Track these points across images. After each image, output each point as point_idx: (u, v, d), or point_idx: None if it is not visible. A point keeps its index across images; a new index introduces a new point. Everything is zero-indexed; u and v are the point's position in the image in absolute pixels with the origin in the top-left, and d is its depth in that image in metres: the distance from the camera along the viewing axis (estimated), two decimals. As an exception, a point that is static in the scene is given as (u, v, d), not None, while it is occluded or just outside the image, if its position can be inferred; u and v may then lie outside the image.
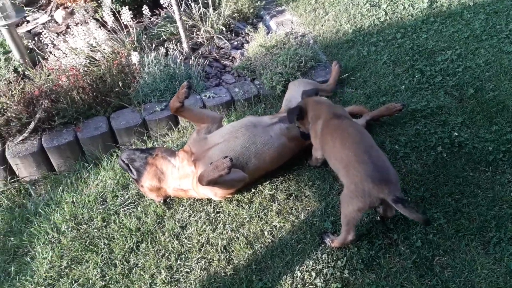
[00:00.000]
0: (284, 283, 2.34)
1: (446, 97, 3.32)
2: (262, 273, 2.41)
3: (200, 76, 3.47)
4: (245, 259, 2.49)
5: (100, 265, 2.54)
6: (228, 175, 2.49)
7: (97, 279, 2.47)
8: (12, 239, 2.73)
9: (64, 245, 2.65)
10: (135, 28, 3.71)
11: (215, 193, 2.73)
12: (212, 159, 2.64)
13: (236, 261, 2.49)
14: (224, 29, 4.00)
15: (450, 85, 3.41)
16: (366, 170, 2.19)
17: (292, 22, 4.24)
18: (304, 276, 2.37)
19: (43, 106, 2.95)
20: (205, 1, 4.05)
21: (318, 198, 2.76)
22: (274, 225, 2.63)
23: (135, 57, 3.26)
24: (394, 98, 3.36)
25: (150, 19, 4.10)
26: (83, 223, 2.77)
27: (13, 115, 2.90)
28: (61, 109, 3.02)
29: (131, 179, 2.94)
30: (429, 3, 4.28)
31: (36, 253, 2.64)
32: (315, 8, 4.36)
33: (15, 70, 3.48)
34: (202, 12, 4.00)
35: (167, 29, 3.97)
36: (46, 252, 2.63)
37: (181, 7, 3.94)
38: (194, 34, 4.00)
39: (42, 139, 3.02)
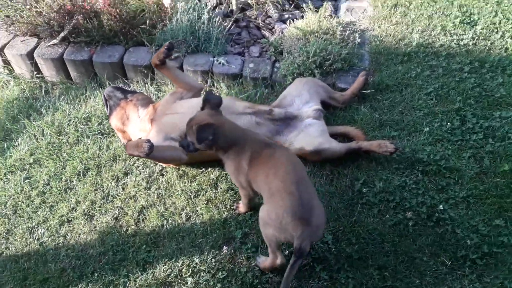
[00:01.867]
0: (162, 265, 2.41)
1: (468, 162, 2.71)
2: (153, 247, 2.51)
3: (224, 38, 3.39)
4: (150, 227, 2.59)
5: (51, 174, 2.91)
6: (159, 151, 2.55)
7: (41, 184, 2.86)
8: (8, 124, 3.25)
9: (38, 146, 3.08)
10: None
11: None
12: (165, 125, 2.68)
13: (142, 225, 2.61)
14: (284, -4, 3.75)
15: (486, 149, 2.76)
16: (291, 202, 2.00)
17: (363, 12, 3.75)
18: (182, 269, 2.39)
19: (74, 21, 3.27)
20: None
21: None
22: (196, 210, 2.65)
23: (167, 1, 3.32)
24: (408, 137, 2.87)
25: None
26: (62, 133, 3.14)
27: (47, 20, 3.28)
28: (88, 29, 3.31)
29: None
30: (541, 41, 3.35)
31: (17, 144, 3.12)
32: (397, 3, 3.75)
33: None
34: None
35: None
36: (24, 145, 3.09)
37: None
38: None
39: (66, 50, 3.39)
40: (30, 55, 3.40)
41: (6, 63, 3.52)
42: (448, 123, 2.91)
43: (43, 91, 3.49)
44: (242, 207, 2.57)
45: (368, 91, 3.09)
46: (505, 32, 3.44)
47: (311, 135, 2.72)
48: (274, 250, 2.18)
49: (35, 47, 3.42)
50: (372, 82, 3.13)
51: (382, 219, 2.51)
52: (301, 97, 2.89)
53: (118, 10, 3.29)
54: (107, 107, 2.99)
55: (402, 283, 2.25)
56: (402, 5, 3.73)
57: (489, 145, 2.78)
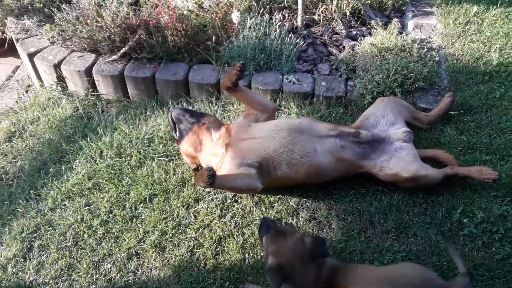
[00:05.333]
0: (250, 305, 2.21)
1: None
2: (237, 283, 2.31)
3: (294, 55, 3.27)
4: (230, 261, 2.40)
5: (113, 200, 2.74)
6: (231, 179, 2.46)
7: (103, 212, 2.68)
8: (64, 144, 3.10)
9: (97, 169, 2.91)
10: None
11: None
12: (242, 151, 2.53)
13: (222, 259, 2.42)
14: (348, 13, 3.63)
15: None
16: None
17: (433, 30, 3.64)
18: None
19: (136, 36, 3.16)
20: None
21: (341, 236, 2.46)
22: (278, 241, 2.46)
23: (235, 17, 3.21)
24: (501, 162, 2.70)
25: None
26: (122, 155, 2.98)
27: (109, 35, 3.16)
28: (150, 44, 3.20)
29: None
30: None
31: (74, 166, 2.96)
32: (470, 21, 3.64)
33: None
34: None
35: (292, -5, 3.78)
36: (82, 168, 2.93)
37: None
38: (316, 9, 3.73)
39: (126, 66, 3.27)
40: (88, 72, 3.28)
41: (60, 79, 3.40)
42: (544, 147, 2.76)
43: (98, 109, 3.35)
44: None
45: (454, 112, 2.94)
46: None
47: (404, 160, 2.54)
48: None
49: (93, 63, 3.30)
50: (455, 103, 2.98)
51: (488, 253, 2.33)
52: (386, 118, 2.74)
53: (184, 25, 3.18)
54: (175, 131, 2.83)
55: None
56: (474, 23, 3.63)
57: None
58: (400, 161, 2.55)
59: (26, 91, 3.68)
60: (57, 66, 3.34)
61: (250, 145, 2.56)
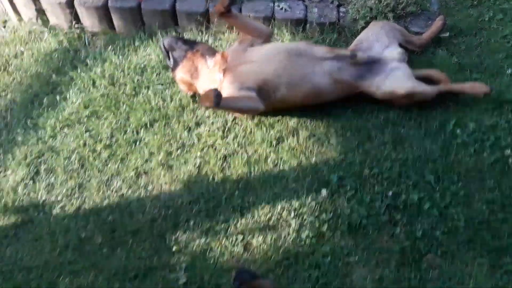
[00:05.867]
0: (260, 210, 2.57)
1: (558, 101, 3.00)
2: (246, 193, 2.66)
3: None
4: (237, 174, 2.74)
5: (113, 126, 3.00)
6: (234, 101, 2.75)
7: (105, 136, 2.94)
8: (54, 76, 3.30)
9: (92, 98, 3.15)
10: None
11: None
12: (241, 75, 2.81)
13: (228, 173, 2.75)
14: None
15: None
16: None
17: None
18: (282, 213, 2.56)
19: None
20: None
21: (341, 149, 2.83)
22: (281, 157, 2.80)
23: None
24: (491, 80, 3.12)
25: None
26: (116, 85, 3.22)
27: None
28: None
29: None
30: None
31: (68, 96, 3.19)
32: None
33: None
34: None
35: None
36: (76, 98, 3.16)
37: None
38: None
39: (110, -3, 3.46)
40: (69, 3, 3.43)
41: (41, 12, 3.55)
42: (530, 65, 3.19)
43: (84, 42, 3.54)
44: None
45: (445, 35, 3.33)
46: None
47: (400, 78, 2.90)
48: None
49: (73, -6, 3.47)
50: (446, 26, 3.36)
51: (479, 158, 2.75)
52: (380, 41, 3.07)
53: None
54: (169, 59, 3.07)
55: (512, 215, 2.51)
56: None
57: None
58: (396, 79, 2.90)
59: (4, 26, 3.81)
60: (35, -1, 3.50)
61: (248, 69, 2.85)
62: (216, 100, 2.54)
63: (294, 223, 2.51)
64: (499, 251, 2.38)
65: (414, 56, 3.27)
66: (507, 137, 2.82)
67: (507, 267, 2.33)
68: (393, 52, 3.01)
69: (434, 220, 2.49)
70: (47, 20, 3.61)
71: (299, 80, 2.82)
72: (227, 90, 2.82)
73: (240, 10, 3.42)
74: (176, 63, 3.05)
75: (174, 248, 2.45)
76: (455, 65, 3.21)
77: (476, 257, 2.37)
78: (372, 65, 2.96)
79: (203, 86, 2.99)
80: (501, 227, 2.47)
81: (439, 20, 3.31)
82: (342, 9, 3.49)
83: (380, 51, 3.03)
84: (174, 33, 3.46)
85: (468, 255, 2.38)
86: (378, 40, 3.07)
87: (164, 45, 3.06)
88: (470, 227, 2.47)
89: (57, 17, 3.54)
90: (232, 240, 2.47)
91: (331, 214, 2.53)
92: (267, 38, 3.10)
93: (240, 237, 2.48)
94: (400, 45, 3.16)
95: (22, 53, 3.52)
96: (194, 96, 3.13)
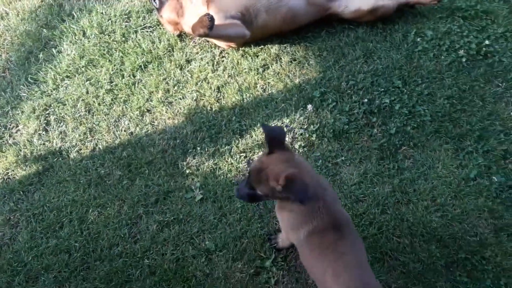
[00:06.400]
0: (257, 130, 2.67)
1: (500, 4, 3.10)
2: (241, 117, 2.74)
3: None
4: (231, 102, 2.80)
5: (110, 72, 2.97)
6: (224, 28, 2.71)
7: (105, 82, 2.92)
8: (45, 31, 3.18)
9: (85, 48, 3.08)
10: None
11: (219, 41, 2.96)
12: (224, 4, 2.78)
13: (224, 102, 2.81)
14: None
15: (513, -9, 3.16)
16: None
17: None
18: (276, 129, 2.68)
19: None
20: None
21: (319, 68, 2.91)
22: (268, 82, 2.87)
23: None
24: (443, -9, 3.19)
25: None
26: (105, 33, 3.14)
27: None
28: None
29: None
30: None
31: (62, 49, 3.10)
32: None
33: None
34: None
35: None
36: (70, 50, 3.08)
37: None
38: None
39: None
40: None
41: (17, -31, 3.35)
42: (476, -27, 3.26)
43: (65, -4, 3.39)
44: (282, 241, 2.26)
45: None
46: None
47: (365, -4, 2.94)
48: None
49: None
50: None
51: (438, 61, 2.89)
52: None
53: None
54: (154, 0, 3.00)
55: (470, 107, 2.69)
56: None
57: (516, -13, 3.18)
58: (361, -2, 2.94)
59: (-20, -11, 3.58)
60: (11, -47, 3.27)
61: None
62: (211, 24, 2.54)
63: (287, 137, 2.64)
64: (460, 136, 2.59)
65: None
66: (460, 40, 2.95)
67: (468, 149, 2.55)
68: None
69: (405, 118, 2.66)
70: (25, -23, 3.41)
71: (277, 2, 2.82)
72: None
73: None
74: (162, 3, 2.98)
75: (187, 172, 2.56)
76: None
77: (442, 145, 2.58)
78: (341, -13, 2.98)
79: (189, 22, 2.93)
80: (460, 116, 2.66)
81: None
82: None
83: None
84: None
85: (436, 144, 2.58)
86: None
87: None
88: (435, 120, 2.66)
89: (35, -27, 3.34)
90: (236, 158, 2.59)
91: (318, 125, 2.67)
92: None
93: (242, 155, 2.61)
94: None
95: (7, 13, 3.34)
96: (181, 35, 3.09)
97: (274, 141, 1.75)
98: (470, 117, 2.66)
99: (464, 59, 2.86)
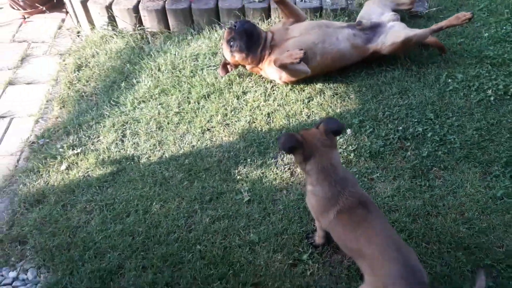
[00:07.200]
0: (301, 147, 3.04)
1: (526, 53, 3.45)
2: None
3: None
4: (279, 125, 3.22)
5: (179, 99, 3.51)
6: (297, 64, 3.18)
7: (174, 106, 3.45)
8: (128, 66, 3.84)
9: (160, 80, 3.67)
10: None
11: (280, 77, 3.44)
12: (287, 49, 3.31)
13: (273, 125, 3.23)
14: None
15: (538, 44, 3.50)
16: (399, 271, 1.90)
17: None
18: (318, 148, 3.03)
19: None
20: None
21: (359, 101, 3.30)
22: (312, 110, 3.29)
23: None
24: (473, 42, 3.59)
25: None
26: (177, 69, 3.75)
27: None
28: (185, -18, 3.95)
29: (226, 38, 3.53)
30: None
31: (140, 80, 3.72)
32: None
33: None
34: None
35: None
36: (147, 81, 3.69)
37: None
38: None
39: (166, 2, 4.00)
40: (135, 9, 3.99)
41: (111, 19, 4.11)
42: (502, 29, 3.65)
43: (147, 40, 4.08)
44: (318, 239, 2.50)
45: (433, 8, 3.81)
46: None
47: (396, 31, 3.37)
48: None
49: (138, 2, 4.02)
50: (432, 3, 3.84)
51: (468, 99, 3.21)
52: (375, 12, 3.55)
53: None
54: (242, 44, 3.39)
55: (497, 137, 2.95)
56: None
57: (540, 40, 3.53)
58: (394, 32, 3.36)
59: (78, 36, 4.38)
60: (108, 7, 4.04)
61: (293, 42, 3.35)
62: (303, 57, 3.09)
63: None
64: (488, 162, 2.82)
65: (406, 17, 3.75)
66: (488, 82, 3.28)
67: (495, 173, 2.76)
68: (387, 16, 3.49)
69: (436, 144, 2.94)
70: (116, 25, 4.16)
71: (329, 46, 3.33)
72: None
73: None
74: (250, 47, 3.40)
75: (237, 178, 2.93)
76: (443, 33, 3.69)
77: (470, 168, 2.81)
78: (375, 29, 3.44)
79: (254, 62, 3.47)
80: (488, 145, 2.91)
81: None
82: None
83: (378, 17, 3.52)
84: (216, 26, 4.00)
85: (464, 167, 2.82)
86: (374, 12, 3.57)
87: (246, 29, 3.36)
88: (465, 147, 2.92)
89: (124, 21, 4.09)
90: (281, 169, 2.94)
91: (355, 146, 3.00)
92: (304, 20, 3.60)
93: (286, 167, 2.96)
94: (395, 11, 3.64)
95: (98, 53, 4.07)
96: (239, 72, 3.64)
97: (329, 129, 2.12)
98: (498, 146, 2.90)
99: (492, 98, 3.17)
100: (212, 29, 4.02)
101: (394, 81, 3.39)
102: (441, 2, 3.92)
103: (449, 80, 3.33)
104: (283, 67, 3.26)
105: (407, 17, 3.86)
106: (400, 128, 3.06)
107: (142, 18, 4.06)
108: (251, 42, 3.38)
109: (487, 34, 3.61)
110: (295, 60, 3.09)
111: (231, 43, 3.40)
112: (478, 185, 2.72)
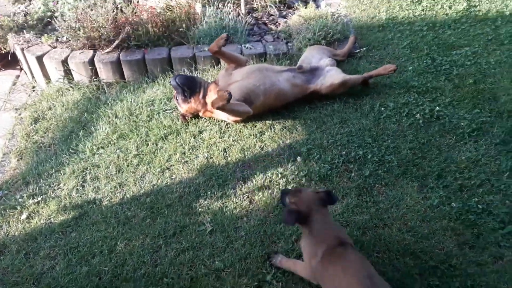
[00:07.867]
0: (257, 177, 3.23)
1: (445, 82, 3.92)
2: (244, 169, 3.33)
3: (246, 32, 4.45)
4: (236, 158, 3.42)
5: (137, 142, 3.65)
6: (235, 106, 3.45)
7: (133, 149, 3.58)
8: (85, 115, 3.95)
9: (117, 126, 3.81)
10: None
11: (228, 118, 3.69)
12: (232, 91, 3.57)
13: (229, 159, 3.43)
14: (277, 1, 4.93)
15: (454, 73, 4.00)
16: None
17: (339, 5, 5.03)
18: (273, 177, 3.24)
19: (126, 30, 4.14)
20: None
21: (305, 132, 3.59)
22: (265, 143, 3.53)
23: (198, 8, 4.34)
24: (400, 75, 4.04)
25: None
26: (134, 115, 3.91)
27: (105, 33, 4.12)
28: (137, 35, 4.19)
29: (174, 94, 3.92)
30: (467, 7, 4.80)
31: (98, 127, 3.83)
32: (363, -4, 5.11)
33: (114, 3, 4.72)
34: (264, -15, 4.95)
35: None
36: (105, 128, 3.81)
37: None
38: (253, 0, 4.98)
39: (120, 54, 4.22)
40: (90, 62, 4.17)
41: (67, 73, 4.24)
42: (424, 62, 4.14)
43: (103, 90, 4.23)
44: (278, 261, 2.66)
45: (363, 48, 4.27)
46: (444, 4, 4.87)
47: (334, 74, 3.77)
48: None
49: (93, 56, 4.21)
50: (362, 44, 4.31)
51: (400, 123, 3.58)
52: (315, 58, 3.96)
53: (160, 19, 4.23)
54: (183, 92, 3.67)
55: (429, 155, 3.29)
56: (366, -4, 5.09)
57: (455, 70, 4.03)
58: (332, 75, 3.76)
59: (33, 91, 4.46)
60: (64, 62, 4.20)
61: (235, 86, 3.62)
62: (229, 97, 3.29)
63: (281, 181, 3.19)
64: (423, 176, 3.14)
65: (346, 66, 4.18)
66: (416, 108, 3.68)
67: (430, 185, 3.08)
68: (326, 61, 3.89)
69: (376, 164, 3.25)
70: (72, 78, 4.30)
71: (270, 86, 3.62)
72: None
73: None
74: (191, 95, 3.68)
75: (199, 210, 3.06)
76: (372, 69, 4.12)
77: (408, 183, 3.11)
78: (313, 72, 3.82)
79: (203, 108, 3.71)
80: (422, 162, 3.24)
81: (351, 37, 4.28)
82: (289, 44, 4.40)
83: (317, 62, 3.91)
84: (169, 74, 4.24)
85: (403, 182, 3.12)
86: (314, 57, 3.97)
87: (179, 83, 3.65)
88: (401, 165, 3.23)
89: (80, 73, 4.24)
90: (240, 199, 3.11)
91: (306, 171, 3.24)
92: (244, 64, 3.90)
93: (245, 196, 3.13)
94: (330, 57, 4.07)
95: (54, 105, 4.17)
96: (194, 117, 3.85)
97: (325, 199, 2.41)
98: (430, 162, 3.24)
99: (421, 121, 3.56)
100: (166, 76, 4.25)
101: (335, 113, 3.73)
102: (369, 42, 4.40)
103: (382, 109, 3.71)
104: (220, 109, 3.49)
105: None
106: (344, 153, 3.35)
107: (98, 70, 4.23)
108: (191, 91, 3.66)
109: (411, 67, 4.09)
110: (224, 102, 3.31)
111: (176, 97, 3.68)
112: (416, 197, 3.01)
